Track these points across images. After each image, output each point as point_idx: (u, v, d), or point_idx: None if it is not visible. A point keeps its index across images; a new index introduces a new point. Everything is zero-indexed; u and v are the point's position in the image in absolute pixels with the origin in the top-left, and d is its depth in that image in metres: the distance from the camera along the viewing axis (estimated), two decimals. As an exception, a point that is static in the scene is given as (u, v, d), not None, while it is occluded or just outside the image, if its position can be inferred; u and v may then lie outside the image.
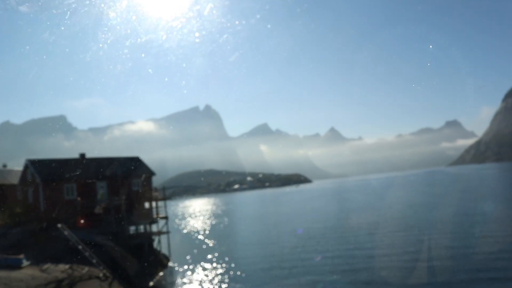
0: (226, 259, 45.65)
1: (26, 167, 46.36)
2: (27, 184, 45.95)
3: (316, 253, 42.69)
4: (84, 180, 45.48)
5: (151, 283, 36.51)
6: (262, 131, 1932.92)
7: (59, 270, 29.24)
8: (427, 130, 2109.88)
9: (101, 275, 30.32)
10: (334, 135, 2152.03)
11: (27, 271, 28.06)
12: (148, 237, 45.57)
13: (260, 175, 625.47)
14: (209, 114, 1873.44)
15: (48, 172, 44.12)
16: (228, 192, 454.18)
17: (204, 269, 41.25)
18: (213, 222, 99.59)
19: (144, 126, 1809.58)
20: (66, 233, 35.24)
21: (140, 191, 49.06)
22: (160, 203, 51.17)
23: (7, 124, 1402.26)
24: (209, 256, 48.43)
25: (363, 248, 43.57)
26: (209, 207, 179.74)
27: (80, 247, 33.53)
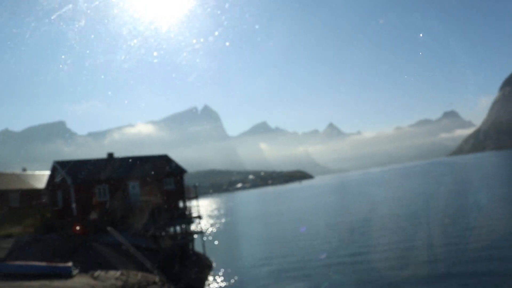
0: (261, 257, 43.40)
1: (54, 169, 43.84)
2: (56, 187, 43.45)
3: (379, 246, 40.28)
4: (116, 180, 43.06)
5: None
6: (262, 130, 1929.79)
7: (112, 277, 26.81)
8: (425, 122, 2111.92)
9: (157, 280, 27.88)
10: (333, 131, 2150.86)
11: (81, 280, 25.64)
12: (188, 237, 43.16)
13: (262, 173, 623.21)
14: (208, 114, 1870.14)
15: (79, 173, 41.62)
16: (231, 191, 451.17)
17: (247, 269, 38.91)
18: (228, 221, 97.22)
19: (143, 128, 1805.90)
20: (117, 237, 32.77)
21: (173, 190, 46.67)
22: (192, 202, 48.84)
23: (6, 132, 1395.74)
24: (243, 256, 46.19)
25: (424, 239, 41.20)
26: (215, 206, 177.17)
27: (131, 251, 31.10)
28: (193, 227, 46.86)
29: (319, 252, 40.41)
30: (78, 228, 38.56)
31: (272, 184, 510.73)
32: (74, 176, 41.00)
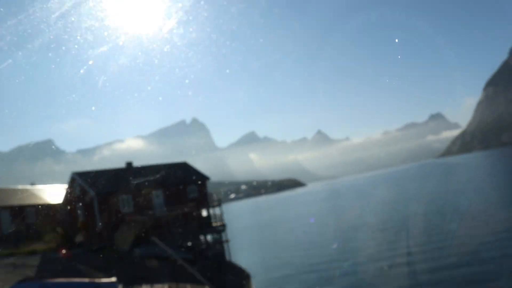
0: (292, 263, 41.62)
1: (72, 180, 41.53)
2: (76, 200, 41.11)
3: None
4: (139, 190, 40.91)
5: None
6: (250, 140, 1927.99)
7: (161, 290, 24.72)
8: (412, 125, 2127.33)
9: (209, 292, 25.84)
10: (322, 138, 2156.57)
11: (129, 295, 23.53)
12: (220, 247, 41.06)
13: (254, 183, 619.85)
14: (197, 126, 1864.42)
15: (101, 184, 39.41)
16: (225, 202, 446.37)
17: (286, 278, 37.00)
18: (239, 230, 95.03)
19: (132, 143, 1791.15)
20: (163, 248, 30.63)
21: (197, 197, 44.62)
22: (215, 210, 46.78)
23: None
24: (274, 264, 44.28)
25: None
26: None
27: (179, 262, 28.98)
28: (220, 236, 44.70)
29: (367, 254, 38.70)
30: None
31: (265, 193, 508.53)
32: (98, 186, 38.80)
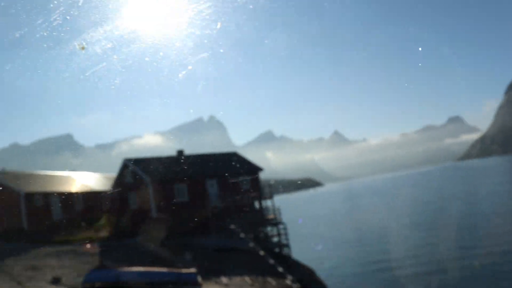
0: (352, 259, 39.34)
1: (124, 166, 39.60)
2: (127, 187, 39.14)
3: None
4: (194, 179, 38.84)
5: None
6: (267, 138, 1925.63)
7: (243, 284, 22.47)
8: (430, 128, 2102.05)
9: (295, 287, 23.52)
10: (338, 138, 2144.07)
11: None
12: (278, 240, 38.78)
13: (272, 181, 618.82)
14: (214, 124, 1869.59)
15: (157, 171, 37.41)
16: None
17: (350, 274, 34.68)
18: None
19: (151, 139, 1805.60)
20: (227, 240, 28.52)
21: (250, 189, 42.36)
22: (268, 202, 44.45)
23: (15, 146, 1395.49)
24: (333, 259, 41.94)
25: None
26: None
27: (260, 254, 26.77)
28: (278, 229, 42.28)
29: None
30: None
31: (284, 192, 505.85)
32: (152, 173, 36.80)
